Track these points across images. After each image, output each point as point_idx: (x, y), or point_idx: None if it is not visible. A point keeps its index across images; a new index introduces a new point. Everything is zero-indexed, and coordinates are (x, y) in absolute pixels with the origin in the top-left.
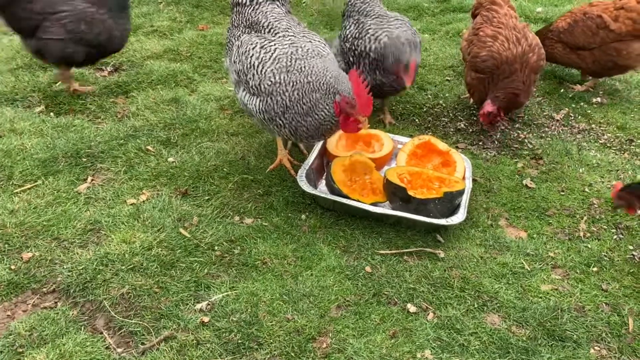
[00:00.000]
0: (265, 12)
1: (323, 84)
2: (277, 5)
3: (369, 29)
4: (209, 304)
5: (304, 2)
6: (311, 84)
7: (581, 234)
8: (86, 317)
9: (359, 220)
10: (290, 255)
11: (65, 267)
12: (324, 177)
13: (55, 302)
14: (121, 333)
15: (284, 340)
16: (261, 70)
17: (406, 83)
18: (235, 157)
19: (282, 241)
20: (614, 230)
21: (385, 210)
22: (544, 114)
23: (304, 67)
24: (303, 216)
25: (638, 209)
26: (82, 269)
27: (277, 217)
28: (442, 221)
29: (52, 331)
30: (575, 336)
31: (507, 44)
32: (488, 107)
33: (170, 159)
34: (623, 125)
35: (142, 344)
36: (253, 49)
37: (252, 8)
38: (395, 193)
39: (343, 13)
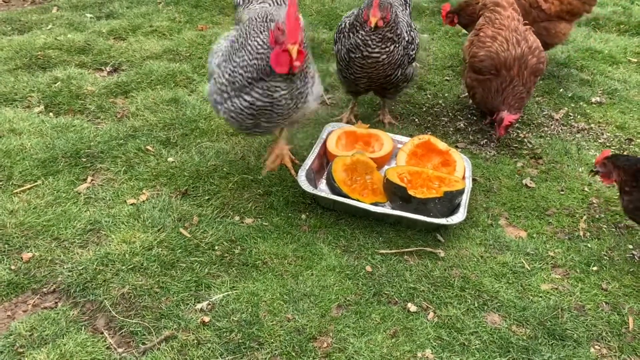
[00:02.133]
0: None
1: (260, 15)
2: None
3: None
4: (209, 304)
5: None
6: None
7: (581, 233)
8: (87, 317)
9: (359, 220)
10: (291, 255)
11: (65, 267)
12: (323, 177)
13: (56, 302)
14: (122, 333)
15: (285, 340)
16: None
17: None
18: (235, 157)
19: (282, 241)
20: (613, 230)
21: (386, 209)
22: (543, 113)
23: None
24: (303, 216)
25: (614, 181)
26: (82, 269)
27: (277, 216)
28: (442, 221)
29: (53, 331)
30: (575, 335)
31: (507, 45)
32: (509, 118)
33: (170, 159)
34: (622, 125)
35: (143, 343)
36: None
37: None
38: (395, 192)
39: None
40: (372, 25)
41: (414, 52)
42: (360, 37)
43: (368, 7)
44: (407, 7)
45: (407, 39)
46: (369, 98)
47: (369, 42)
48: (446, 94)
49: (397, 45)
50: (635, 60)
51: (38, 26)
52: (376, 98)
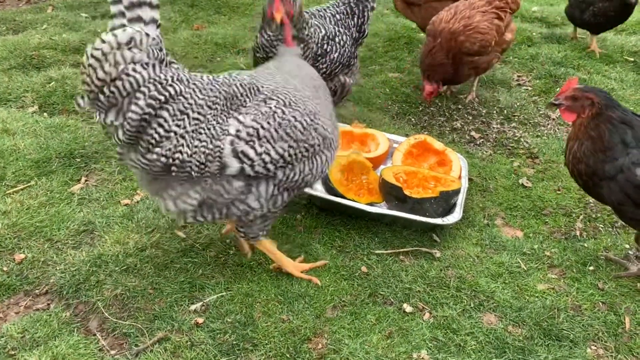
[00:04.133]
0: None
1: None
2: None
3: None
4: (203, 305)
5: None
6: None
7: (577, 233)
8: (79, 319)
9: (355, 220)
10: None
11: (58, 268)
12: None
13: (48, 304)
14: (115, 335)
15: (279, 341)
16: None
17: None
18: None
19: (277, 241)
20: (610, 229)
21: (381, 209)
22: (540, 112)
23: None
24: (299, 216)
25: (582, 115)
26: (75, 270)
27: None
28: (438, 221)
29: (45, 333)
30: (571, 335)
31: (451, 17)
32: (428, 88)
33: None
34: None
35: (136, 345)
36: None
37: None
38: (391, 192)
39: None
40: (278, 21)
41: (325, 66)
42: (265, 37)
43: (270, 3)
44: (354, 17)
45: (315, 50)
46: (365, 97)
47: (275, 44)
48: (442, 93)
49: (305, 48)
50: (632, 59)
51: (33, 26)
52: (372, 99)
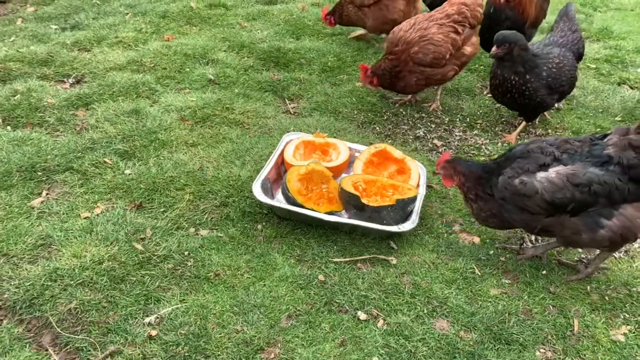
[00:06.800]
0: None
1: None
2: None
3: None
4: (157, 318)
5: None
6: None
7: (532, 237)
8: (32, 334)
9: (315, 229)
10: (244, 266)
11: (12, 283)
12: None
13: (1, 320)
14: (67, 349)
15: (232, 352)
16: None
17: None
18: (192, 168)
19: (236, 252)
20: None
21: (339, 218)
22: (502, 119)
23: None
24: (259, 226)
25: (454, 183)
26: (29, 285)
27: (233, 227)
28: (393, 228)
29: None
30: (521, 339)
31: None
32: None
33: (127, 171)
34: (578, 130)
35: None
36: None
37: None
38: (349, 201)
39: None
40: None
41: None
42: None
43: None
44: None
45: None
46: (332, 107)
47: None
48: (407, 102)
49: None
50: (594, 66)
51: (1, 38)
52: (339, 108)
